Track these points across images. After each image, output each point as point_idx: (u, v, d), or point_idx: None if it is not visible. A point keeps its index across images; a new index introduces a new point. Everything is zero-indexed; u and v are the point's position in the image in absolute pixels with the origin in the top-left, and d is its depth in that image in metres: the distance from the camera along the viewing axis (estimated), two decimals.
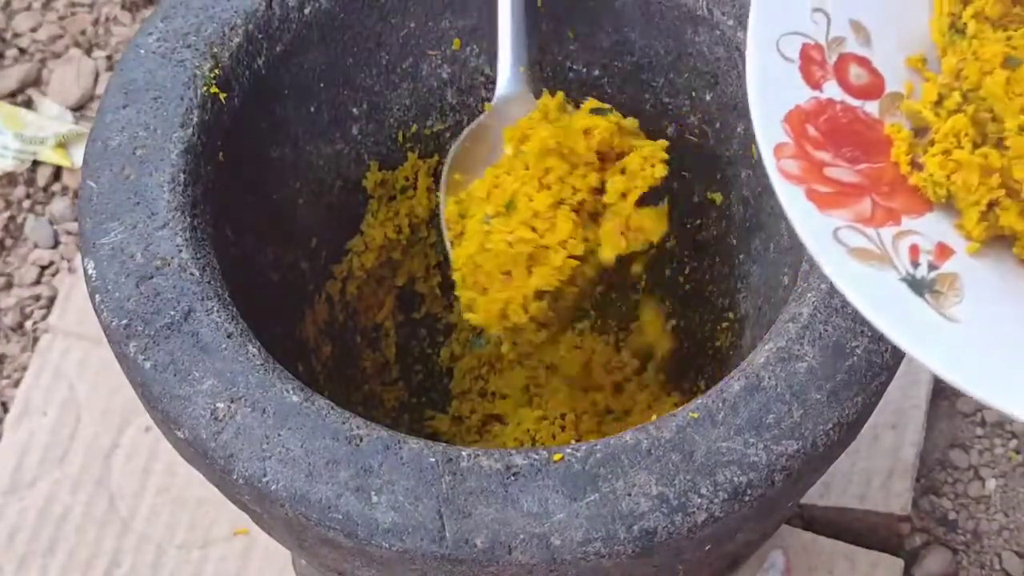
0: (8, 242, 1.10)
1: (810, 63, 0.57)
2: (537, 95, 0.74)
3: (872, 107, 0.58)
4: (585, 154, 0.71)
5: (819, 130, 0.56)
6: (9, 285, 1.08)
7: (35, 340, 1.05)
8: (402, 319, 0.88)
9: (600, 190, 0.72)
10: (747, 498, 0.60)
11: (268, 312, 0.74)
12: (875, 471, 0.95)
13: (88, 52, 1.19)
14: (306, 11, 0.75)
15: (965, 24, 0.58)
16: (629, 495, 0.59)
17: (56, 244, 1.10)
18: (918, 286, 0.53)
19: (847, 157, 0.56)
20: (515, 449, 0.61)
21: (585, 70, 0.82)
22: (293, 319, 0.80)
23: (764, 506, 0.61)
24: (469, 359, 0.89)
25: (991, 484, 0.99)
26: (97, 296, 0.65)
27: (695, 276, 0.85)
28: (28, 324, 1.06)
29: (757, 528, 0.65)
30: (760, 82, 0.56)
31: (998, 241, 0.56)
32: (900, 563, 0.92)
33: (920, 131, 0.58)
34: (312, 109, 0.78)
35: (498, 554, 0.58)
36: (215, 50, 0.71)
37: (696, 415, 0.61)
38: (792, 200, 0.54)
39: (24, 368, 1.04)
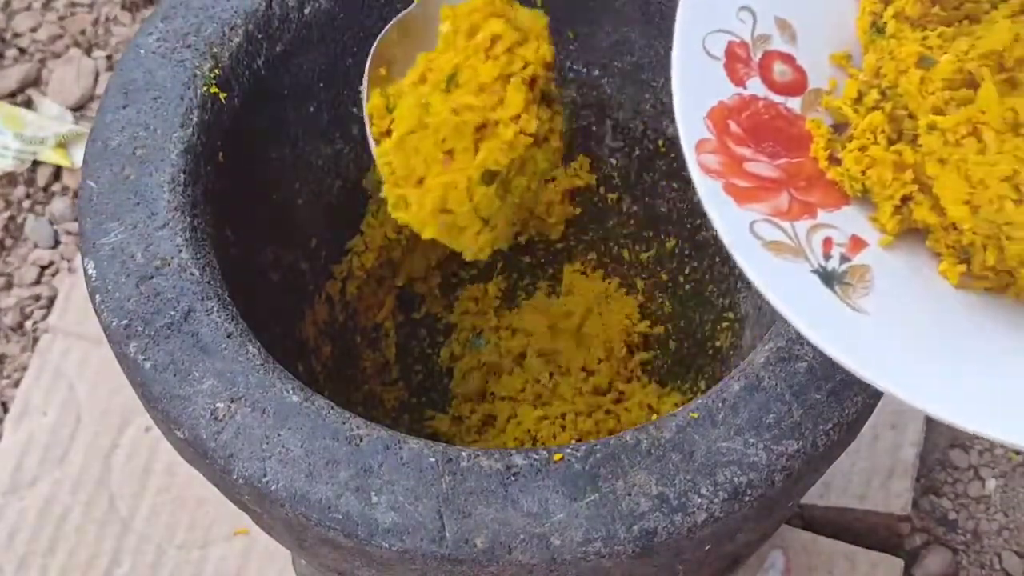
0: (8, 242, 1.10)
1: (735, 60, 0.58)
2: None
3: (795, 103, 0.59)
4: (536, 30, 0.63)
5: (741, 126, 0.57)
6: (9, 285, 1.08)
7: (35, 340, 1.05)
8: (402, 319, 0.88)
9: (551, 66, 0.64)
10: (747, 498, 0.60)
11: (268, 312, 0.74)
12: (875, 471, 0.95)
13: (88, 52, 1.19)
14: (306, 11, 0.74)
15: (885, 23, 0.59)
16: (629, 495, 0.59)
17: (56, 244, 1.10)
18: (828, 278, 0.54)
19: (768, 152, 0.57)
20: (515, 449, 0.61)
21: (585, 70, 0.82)
22: (293, 319, 0.80)
23: (764, 506, 0.61)
24: (469, 359, 0.89)
25: (991, 484, 0.99)
26: (97, 296, 0.65)
27: (695, 276, 0.85)
28: (28, 324, 1.06)
29: (757, 528, 0.65)
30: (684, 79, 0.57)
31: (911, 234, 0.57)
32: (900, 563, 0.92)
33: (840, 127, 0.59)
34: (312, 109, 0.78)
35: (498, 554, 0.58)
36: (215, 50, 0.71)
37: (696, 415, 0.61)
38: (710, 194, 0.55)
39: (24, 368, 1.04)
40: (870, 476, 0.95)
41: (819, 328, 0.52)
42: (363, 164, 0.82)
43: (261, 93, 0.74)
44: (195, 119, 0.70)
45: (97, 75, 1.17)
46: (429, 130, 0.61)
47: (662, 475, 0.60)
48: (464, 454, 0.60)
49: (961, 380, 0.52)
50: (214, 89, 0.71)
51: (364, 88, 0.65)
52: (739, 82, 0.58)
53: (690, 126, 0.56)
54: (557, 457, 0.60)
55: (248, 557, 0.93)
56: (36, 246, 1.10)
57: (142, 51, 0.71)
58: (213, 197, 0.69)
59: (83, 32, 1.19)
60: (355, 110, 0.80)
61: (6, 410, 1.01)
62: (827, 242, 0.56)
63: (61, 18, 1.20)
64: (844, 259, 0.55)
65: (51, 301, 1.06)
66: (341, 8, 0.76)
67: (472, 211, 0.61)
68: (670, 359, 0.87)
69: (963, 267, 0.56)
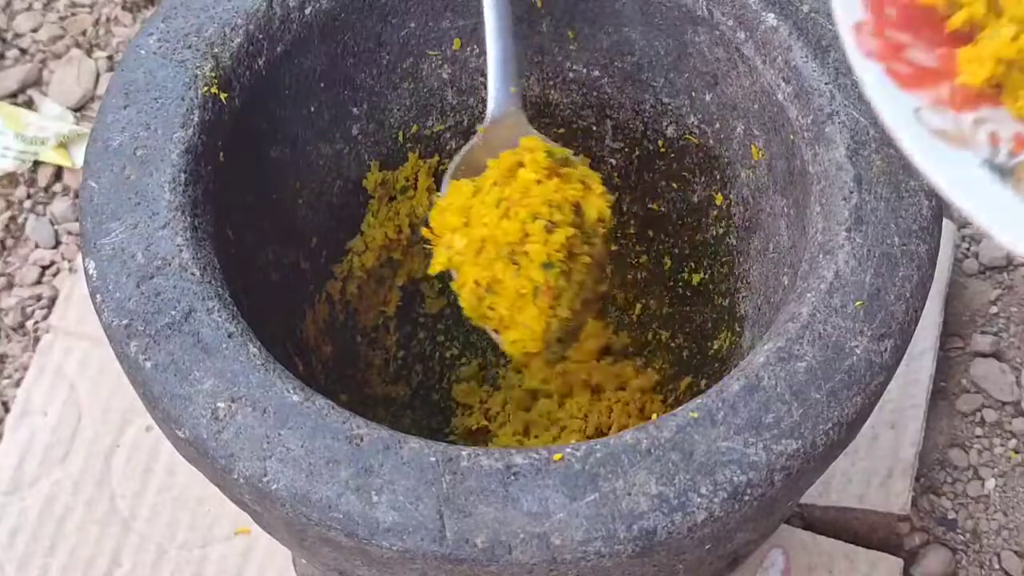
0: (9, 242, 1.11)
1: None
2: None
3: None
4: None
5: (897, 10, 0.55)
6: (10, 285, 1.08)
7: (36, 340, 1.05)
8: (402, 319, 0.88)
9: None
10: (747, 497, 0.60)
11: (268, 312, 0.74)
12: (875, 471, 0.95)
13: (89, 52, 1.19)
14: (306, 11, 0.75)
15: None
16: (629, 495, 0.59)
17: (57, 244, 1.10)
18: (1000, 171, 0.53)
19: (926, 41, 0.55)
20: (515, 449, 0.61)
21: (585, 70, 0.82)
22: (293, 319, 0.80)
23: (764, 505, 0.61)
24: (471, 378, 0.89)
25: (990, 484, 0.99)
26: (98, 296, 0.65)
27: (695, 276, 0.85)
28: (29, 324, 1.07)
29: (757, 527, 0.65)
30: None
31: None
32: (899, 563, 0.92)
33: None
34: (312, 109, 0.78)
35: (498, 554, 0.58)
36: (216, 50, 0.71)
37: (696, 415, 0.61)
38: (873, 77, 0.53)
39: (25, 368, 1.04)
40: (870, 476, 0.95)
41: (1000, 221, 0.50)
42: (363, 164, 0.82)
43: (261, 93, 0.74)
44: (196, 119, 0.70)
45: (98, 75, 1.17)
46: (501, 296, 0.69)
47: (662, 475, 0.60)
48: (464, 454, 0.60)
49: None
50: (215, 89, 0.71)
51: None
52: None
53: (847, 6, 0.54)
54: (557, 457, 0.60)
55: (249, 557, 0.93)
56: (37, 246, 1.10)
57: (143, 51, 0.71)
58: (214, 197, 0.69)
59: (84, 33, 1.20)
60: (355, 110, 0.80)
61: (7, 410, 1.02)
62: (993, 136, 0.54)
63: (62, 18, 1.20)
64: (1012, 155, 0.54)
65: (52, 301, 1.07)
66: (341, 8, 0.76)
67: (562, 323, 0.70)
68: (670, 359, 0.87)
69: None
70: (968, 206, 0.51)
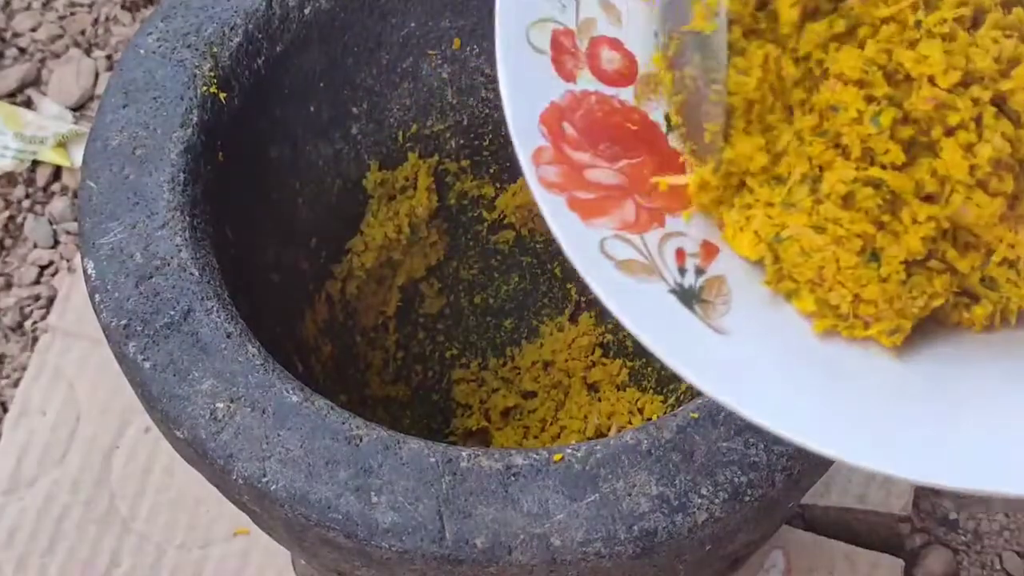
0: (8, 242, 1.10)
1: (562, 52, 0.54)
2: None
3: (627, 94, 0.55)
4: None
5: (576, 127, 0.53)
6: (9, 285, 1.08)
7: (34, 340, 1.05)
8: (402, 319, 0.88)
9: None
10: (747, 498, 0.60)
11: (268, 312, 0.74)
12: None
13: (88, 52, 1.19)
14: (306, 11, 0.74)
15: None
16: (629, 495, 0.59)
17: (56, 244, 1.10)
18: (687, 296, 0.51)
19: (606, 155, 0.53)
20: (515, 449, 0.61)
21: None
22: (293, 319, 0.80)
23: (764, 506, 0.61)
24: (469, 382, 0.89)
25: None
26: (97, 296, 0.65)
27: None
28: (28, 324, 1.06)
29: (757, 528, 0.65)
30: (512, 80, 0.52)
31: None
32: (900, 563, 0.92)
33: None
34: (312, 109, 0.78)
35: (498, 554, 0.58)
36: (215, 50, 0.71)
37: (696, 415, 0.61)
38: (554, 212, 0.51)
39: (24, 368, 1.03)
40: (870, 476, 0.95)
41: (687, 358, 0.49)
42: (363, 164, 0.82)
43: (261, 93, 0.74)
44: (195, 119, 0.69)
45: (97, 75, 1.17)
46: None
47: (662, 475, 0.60)
48: (464, 454, 0.60)
49: (830, 407, 0.50)
50: (214, 89, 0.71)
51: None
52: (569, 77, 0.54)
53: (524, 133, 0.52)
54: (557, 457, 0.60)
55: (248, 557, 0.93)
56: (36, 246, 1.10)
57: (142, 51, 0.71)
58: (213, 197, 0.69)
59: (83, 32, 1.19)
60: (355, 110, 0.80)
61: (6, 410, 1.01)
62: (680, 254, 0.53)
63: (61, 18, 1.20)
64: (699, 271, 0.52)
65: (50, 301, 1.06)
66: (341, 8, 0.76)
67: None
68: None
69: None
70: (657, 349, 0.49)
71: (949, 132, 0.53)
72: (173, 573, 0.93)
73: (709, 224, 0.54)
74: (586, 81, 0.54)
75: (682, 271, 0.52)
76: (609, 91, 0.55)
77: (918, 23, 0.54)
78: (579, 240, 0.51)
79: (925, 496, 0.98)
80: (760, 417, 0.48)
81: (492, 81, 0.82)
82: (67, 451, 0.97)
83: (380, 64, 0.80)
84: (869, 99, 0.53)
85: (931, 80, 0.53)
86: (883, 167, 0.53)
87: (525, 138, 0.52)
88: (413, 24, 0.79)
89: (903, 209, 0.53)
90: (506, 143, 0.84)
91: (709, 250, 0.53)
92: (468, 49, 0.81)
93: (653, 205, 0.54)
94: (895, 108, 0.53)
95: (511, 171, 0.86)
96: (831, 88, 0.53)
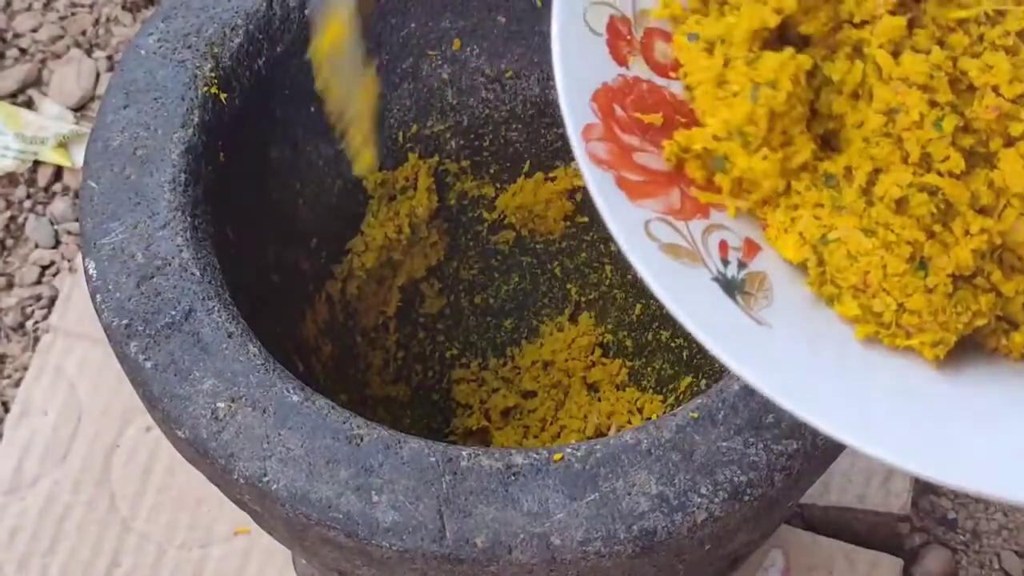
0: (9, 242, 1.11)
1: (617, 37, 0.54)
2: None
3: (678, 87, 0.55)
4: None
5: (627, 111, 0.53)
6: (10, 285, 1.08)
7: (36, 340, 1.05)
8: (403, 319, 0.88)
9: None
10: (747, 498, 0.60)
11: (268, 312, 0.74)
12: (875, 471, 0.95)
13: (89, 52, 1.19)
14: (306, 11, 0.75)
15: None
16: (629, 495, 0.59)
17: (57, 244, 1.10)
18: (729, 286, 0.51)
19: (655, 141, 0.54)
20: (515, 449, 0.61)
21: None
22: (293, 319, 0.80)
23: (764, 506, 0.61)
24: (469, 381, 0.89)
25: None
26: (98, 296, 0.65)
27: None
28: (29, 324, 1.07)
29: (757, 527, 0.65)
30: (566, 56, 0.52)
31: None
32: (899, 563, 0.92)
33: None
34: (312, 109, 0.78)
35: (498, 554, 0.58)
36: (216, 50, 0.71)
37: (696, 415, 0.61)
38: (602, 187, 0.51)
39: (25, 368, 1.04)
40: (870, 476, 0.95)
41: (727, 345, 0.49)
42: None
43: (261, 93, 0.74)
44: (196, 119, 0.70)
45: (98, 75, 1.17)
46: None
47: (662, 475, 0.60)
48: (464, 454, 0.60)
49: (864, 404, 0.50)
50: (215, 89, 0.71)
51: None
52: (623, 61, 0.54)
53: (575, 109, 0.52)
54: (557, 457, 0.60)
55: (248, 557, 0.93)
56: (37, 246, 1.10)
57: (143, 51, 0.71)
58: (214, 197, 0.69)
59: (84, 32, 1.20)
60: None
61: (7, 410, 1.02)
62: (723, 246, 0.53)
63: (62, 18, 1.20)
64: (741, 265, 0.53)
65: (52, 301, 1.07)
66: None
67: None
68: (670, 359, 0.87)
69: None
70: (697, 330, 0.49)
71: (1009, 143, 0.53)
72: (174, 573, 0.93)
73: (752, 222, 0.54)
74: (639, 68, 0.54)
75: (725, 262, 0.52)
76: (661, 81, 0.55)
77: (981, 36, 0.54)
78: (624, 218, 0.51)
79: (924, 495, 0.98)
80: (797, 407, 0.49)
81: (492, 81, 0.82)
82: (68, 451, 0.97)
83: (380, 64, 0.80)
84: (932, 104, 0.53)
85: (995, 90, 0.53)
86: (940, 174, 0.53)
87: (576, 113, 0.52)
88: (413, 24, 0.79)
89: (956, 219, 0.53)
90: (506, 144, 0.85)
91: (751, 247, 0.53)
92: (468, 49, 0.81)
93: (697, 198, 0.54)
94: (957, 116, 0.53)
95: (511, 171, 0.86)
96: (894, 90, 0.53)
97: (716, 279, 0.52)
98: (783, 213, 0.54)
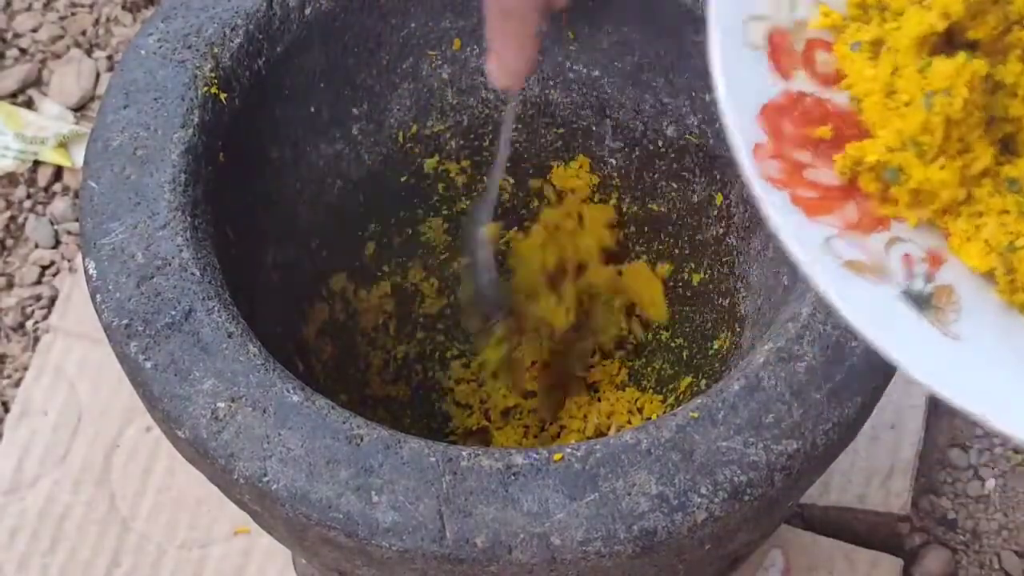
0: (9, 242, 1.11)
1: (778, 50, 0.53)
2: None
3: (841, 98, 0.54)
4: None
5: (795, 126, 0.52)
6: (10, 285, 1.08)
7: (36, 340, 1.05)
8: (403, 319, 0.88)
9: None
10: (747, 497, 0.60)
11: (268, 312, 0.74)
12: (875, 471, 0.95)
13: (89, 52, 1.19)
14: (306, 11, 0.75)
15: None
16: (629, 495, 0.59)
17: (57, 244, 1.10)
18: (918, 301, 0.50)
19: (825, 156, 0.53)
20: (515, 449, 0.61)
21: (585, 70, 0.82)
22: (293, 319, 0.80)
23: (764, 505, 0.61)
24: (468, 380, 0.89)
25: (990, 483, 0.99)
26: (98, 296, 0.65)
27: (695, 276, 0.85)
28: (29, 324, 1.07)
29: (757, 527, 0.65)
30: (730, 72, 0.51)
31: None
32: (899, 563, 0.92)
33: None
34: (312, 109, 0.78)
35: (498, 554, 0.58)
36: (216, 50, 0.71)
37: (696, 415, 0.61)
38: (777, 208, 0.50)
39: (25, 368, 1.04)
40: (870, 476, 0.95)
41: (919, 360, 0.48)
42: (363, 164, 0.82)
43: (261, 93, 0.74)
44: (196, 119, 0.70)
45: (98, 75, 1.17)
46: None
47: (662, 475, 0.60)
48: (464, 454, 0.60)
49: None
50: (215, 89, 0.71)
51: None
52: (786, 75, 0.53)
53: (744, 128, 0.51)
54: (557, 457, 0.60)
55: (248, 557, 0.93)
56: (37, 246, 1.10)
57: (143, 51, 0.71)
58: (214, 197, 0.69)
59: (84, 32, 1.20)
60: (355, 110, 0.80)
61: (7, 410, 1.02)
62: (907, 258, 0.51)
63: (62, 18, 1.20)
64: (928, 278, 0.51)
65: (52, 301, 1.07)
66: (341, 8, 0.76)
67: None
68: (670, 359, 0.87)
69: None
70: (891, 350, 0.48)
71: None
72: (174, 573, 0.93)
73: (934, 232, 0.53)
74: (802, 81, 0.53)
75: (910, 276, 0.51)
76: (825, 94, 0.54)
77: None
78: (803, 236, 0.50)
79: (924, 496, 0.98)
80: (1005, 426, 0.47)
81: None
82: (68, 451, 0.97)
83: (380, 64, 0.80)
84: None
85: None
86: None
87: (745, 133, 0.51)
88: (413, 25, 0.79)
89: None
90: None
91: (936, 258, 0.52)
92: (468, 49, 0.81)
93: (876, 210, 0.53)
94: None
95: (511, 171, 0.86)
96: None
97: (904, 294, 0.50)
98: (966, 221, 0.53)
